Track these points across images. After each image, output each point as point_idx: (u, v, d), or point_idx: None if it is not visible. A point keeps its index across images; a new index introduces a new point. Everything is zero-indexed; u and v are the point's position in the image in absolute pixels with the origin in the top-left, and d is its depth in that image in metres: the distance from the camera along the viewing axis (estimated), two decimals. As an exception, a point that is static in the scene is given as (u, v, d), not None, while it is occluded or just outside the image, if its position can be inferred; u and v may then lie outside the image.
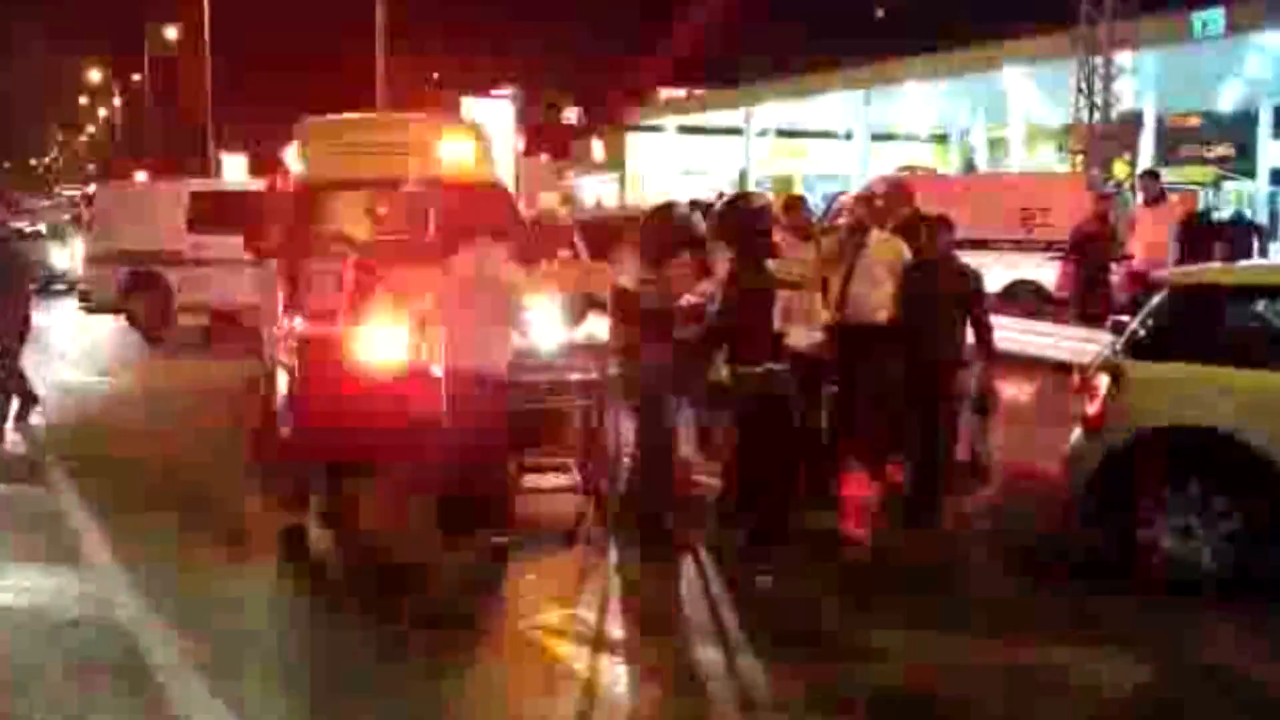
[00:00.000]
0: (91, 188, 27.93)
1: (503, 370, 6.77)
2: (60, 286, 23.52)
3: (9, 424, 10.14)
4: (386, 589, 6.36)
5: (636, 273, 6.85)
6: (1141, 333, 6.46)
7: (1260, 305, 6.93)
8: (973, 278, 7.48)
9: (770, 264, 6.69)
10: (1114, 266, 13.35)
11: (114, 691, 4.94)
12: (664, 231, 7.03)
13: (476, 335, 6.68)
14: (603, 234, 10.91)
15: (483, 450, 6.71)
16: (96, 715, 4.74)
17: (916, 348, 7.19)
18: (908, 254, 7.43)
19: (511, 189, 13.72)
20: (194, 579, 6.40)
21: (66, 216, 28.22)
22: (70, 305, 20.86)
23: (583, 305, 7.84)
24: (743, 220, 6.86)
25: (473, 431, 6.66)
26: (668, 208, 7.50)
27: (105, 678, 5.08)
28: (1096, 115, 24.20)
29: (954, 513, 7.29)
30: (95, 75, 72.74)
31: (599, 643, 5.51)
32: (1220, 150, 35.96)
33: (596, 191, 43.31)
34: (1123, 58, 24.54)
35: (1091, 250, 13.47)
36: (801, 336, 6.96)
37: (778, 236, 7.06)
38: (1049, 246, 15.63)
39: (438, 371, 6.90)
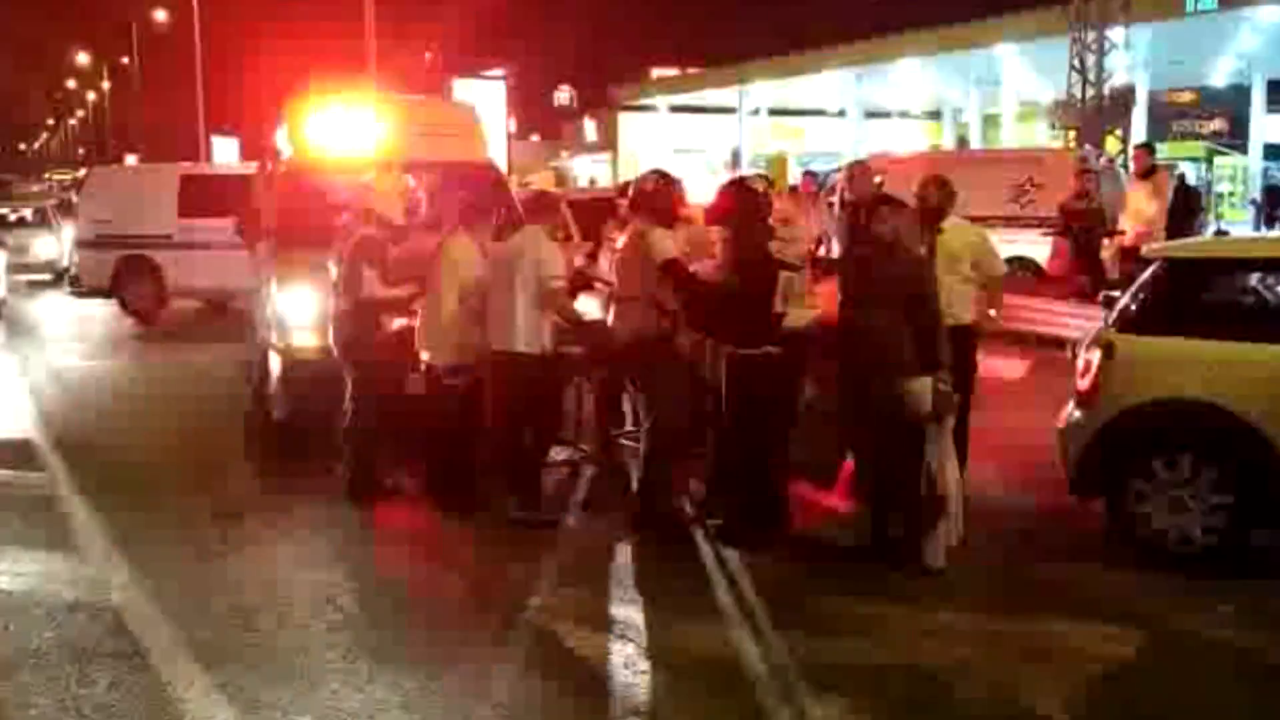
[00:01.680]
0: (82, 172, 27.55)
1: (543, 349, 6.82)
2: (45, 277, 22.55)
3: None
4: (385, 571, 6.37)
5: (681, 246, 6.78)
6: (1133, 307, 6.46)
7: (1251, 278, 6.94)
8: (917, 267, 6.30)
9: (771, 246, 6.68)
10: (1106, 242, 13.37)
11: (110, 676, 4.94)
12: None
13: (521, 315, 6.72)
14: (599, 213, 10.90)
15: (519, 426, 6.92)
16: (92, 700, 4.73)
17: (855, 352, 6.21)
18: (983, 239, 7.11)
19: (504, 169, 13.71)
20: (189, 563, 6.40)
21: (52, 202, 27.44)
22: (57, 295, 20.81)
23: (579, 284, 7.84)
24: (744, 203, 6.83)
25: (514, 409, 6.81)
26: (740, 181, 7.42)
27: (101, 662, 5.08)
28: (1089, 91, 24.16)
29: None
30: (83, 58, 72.30)
31: (598, 622, 5.51)
32: (1214, 125, 35.98)
33: (591, 171, 43.27)
34: (1115, 33, 24.49)
35: (1079, 226, 13.50)
36: (799, 316, 6.94)
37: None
38: (1042, 223, 15.63)
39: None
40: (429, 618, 5.57)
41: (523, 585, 5.95)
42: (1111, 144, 23.63)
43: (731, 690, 4.79)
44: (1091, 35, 24.15)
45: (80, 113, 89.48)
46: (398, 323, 7.54)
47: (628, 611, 5.65)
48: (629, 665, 5.05)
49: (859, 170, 9.14)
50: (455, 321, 7.07)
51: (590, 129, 49.47)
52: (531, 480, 7.01)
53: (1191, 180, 21.40)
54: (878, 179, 13.29)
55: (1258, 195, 31.11)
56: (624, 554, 6.51)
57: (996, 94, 35.76)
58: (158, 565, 6.30)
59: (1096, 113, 23.92)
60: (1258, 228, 27.22)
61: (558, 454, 7.84)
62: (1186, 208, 12.59)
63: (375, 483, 7.41)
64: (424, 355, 7.21)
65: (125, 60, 64.70)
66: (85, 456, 8.82)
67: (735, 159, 40.43)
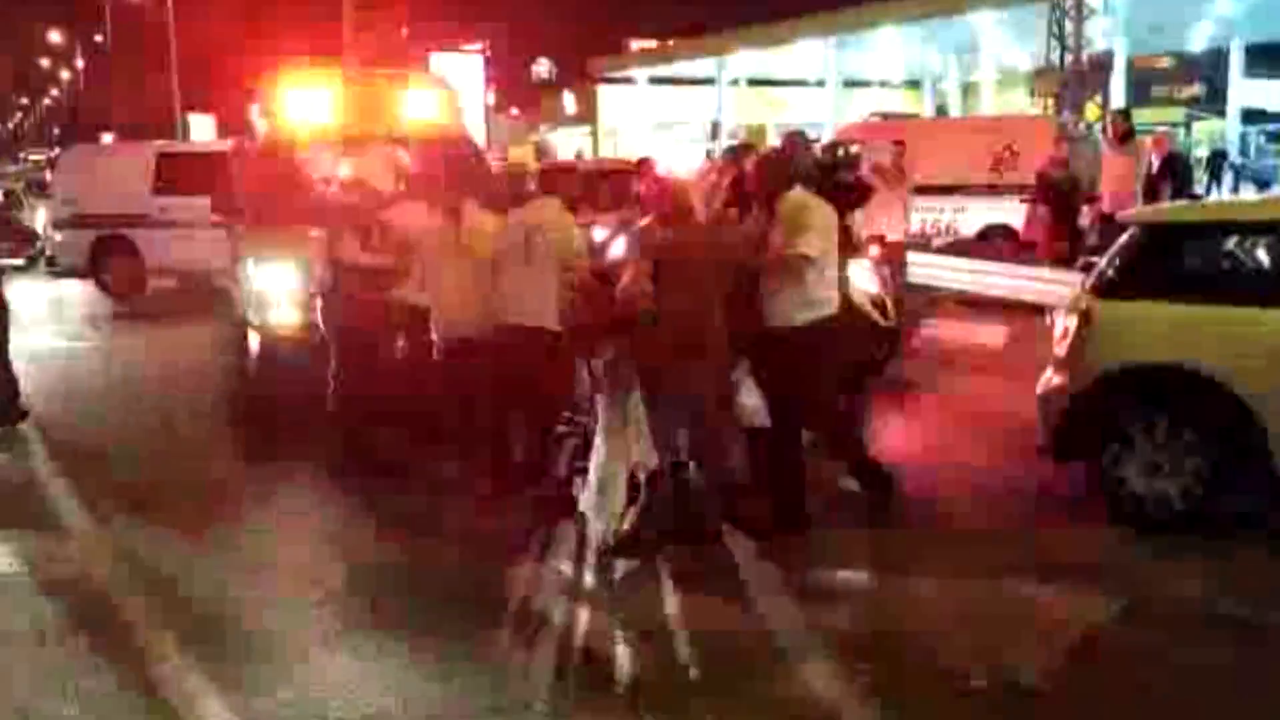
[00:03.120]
0: (57, 151, 27.06)
1: (554, 322, 6.70)
2: (17, 262, 21.54)
3: None
4: (368, 547, 6.36)
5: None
6: (1109, 272, 6.49)
7: (1225, 242, 6.97)
8: (734, 251, 5.93)
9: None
10: (1085, 209, 13.39)
11: (90, 654, 4.94)
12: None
13: (536, 289, 6.64)
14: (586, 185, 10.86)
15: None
16: (72, 679, 4.73)
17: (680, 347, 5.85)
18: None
19: (483, 144, 13.66)
20: (171, 540, 6.39)
21: (21, 184, 26.87)
22: (31, 277, 20.60)
23: None
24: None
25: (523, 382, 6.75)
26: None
27: (81, 641, 5.08)
28: (1068, 58, 24.15)
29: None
30: (56, 36, 71.41)
31: (583, 593, 5.54)
32: (1191, 90, 36.03)
33: (577, 145, 43.09)
34: (1093, -1, 24.46)
35: (1055, 193, 13.50)
36: None
37: None
38: (1021, 190, 15.67)
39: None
40: (413, 594, 5.56)
41: (507, 558, 5.95)
42: (1091, 110, 23.64)
43: (715, 658, 4.81)
44: (1070, 1, 24.12)
45: (55, 91, 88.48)
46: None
47: (614, 582, 5.66)
48: (615, 635, 5.07)
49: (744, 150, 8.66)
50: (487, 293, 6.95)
51: (569, 102, 49.25)
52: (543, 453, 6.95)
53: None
54: (854, 149, 13.25)
55: (1236, 158, 31.23)
56: (609, 527, 6.50)
57: (976, 62, 35.73)
58: (139, 544, 6.30)
59: (1074, 80, 23.92)
60: (1214, 190, 27.37)
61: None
62: (1175, 179, 12.48)
63: (362, 458, 7.36)
64: (463, 330, 7.02)
65: (99, 38, 63.94)
66: (65, 436, 8.80)
67: (715, 130, 40.27)
